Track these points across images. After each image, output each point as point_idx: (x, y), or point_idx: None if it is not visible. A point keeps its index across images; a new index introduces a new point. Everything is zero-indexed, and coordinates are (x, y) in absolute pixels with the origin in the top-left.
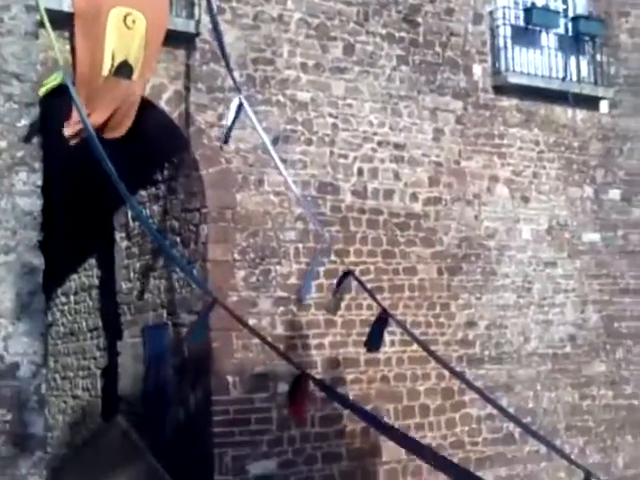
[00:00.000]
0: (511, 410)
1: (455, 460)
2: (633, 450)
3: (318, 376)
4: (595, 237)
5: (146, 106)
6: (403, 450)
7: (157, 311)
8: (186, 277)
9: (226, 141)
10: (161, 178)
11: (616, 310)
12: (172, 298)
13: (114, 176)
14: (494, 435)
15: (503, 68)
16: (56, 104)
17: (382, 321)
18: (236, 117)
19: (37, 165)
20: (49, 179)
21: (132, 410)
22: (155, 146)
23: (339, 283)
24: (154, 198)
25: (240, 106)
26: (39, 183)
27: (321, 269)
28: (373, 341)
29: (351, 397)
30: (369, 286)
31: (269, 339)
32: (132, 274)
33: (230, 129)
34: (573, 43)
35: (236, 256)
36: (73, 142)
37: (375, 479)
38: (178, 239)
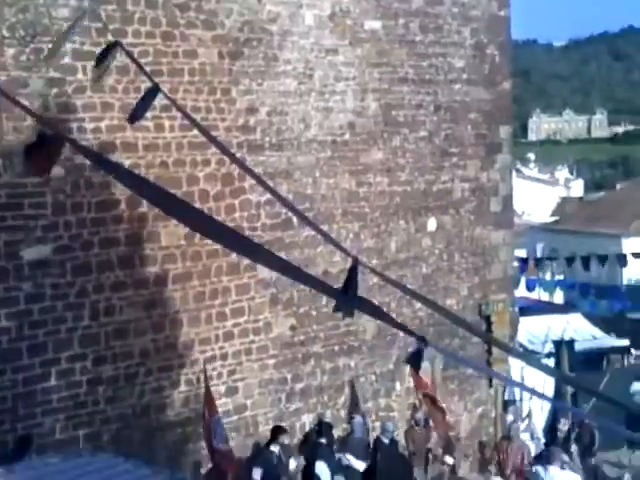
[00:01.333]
0: (290, 196)
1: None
2: (405, 235)
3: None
4: (376, 25)
5: None
6: (183, 235)
7: None
8: None
9: None
10: None
11: (394, 99)
12: None
13: None
14: (273, 220)
15: None
16: None
17: (150, 96)
18: None
19: None
20: None
21: None
22: None
23: (104, 54)
24: None
25: None
26: None
27: (97, 50)
28: (136, 113)
29: None
30: (147, 69)
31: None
32: None
33: None
34: None
35: (5, 33)
36: None
37: (153, 264)
38: None
